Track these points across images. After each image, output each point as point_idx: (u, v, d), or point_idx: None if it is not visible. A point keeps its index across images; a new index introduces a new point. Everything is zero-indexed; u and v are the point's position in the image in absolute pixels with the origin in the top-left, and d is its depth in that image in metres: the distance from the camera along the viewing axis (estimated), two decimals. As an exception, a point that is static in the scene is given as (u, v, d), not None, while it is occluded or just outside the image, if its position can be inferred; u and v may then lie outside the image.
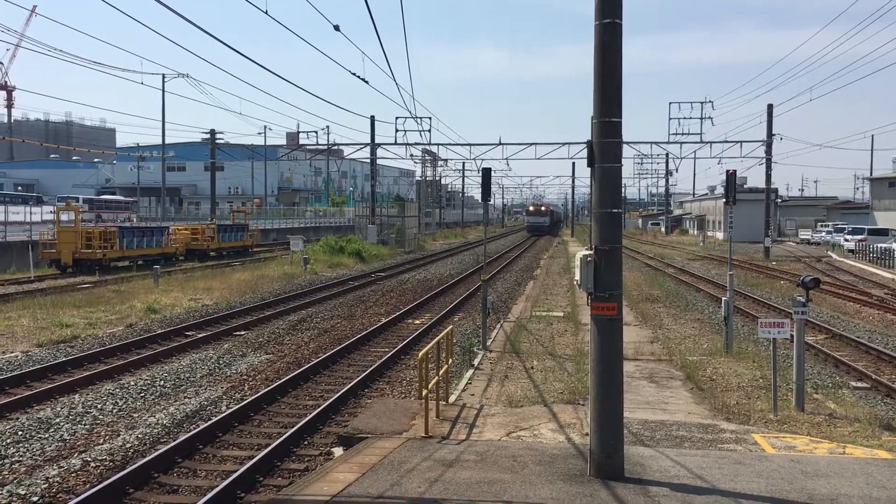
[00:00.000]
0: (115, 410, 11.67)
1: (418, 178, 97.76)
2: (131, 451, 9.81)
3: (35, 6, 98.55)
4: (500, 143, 49.02)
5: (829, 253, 53.53)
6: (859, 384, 13.90)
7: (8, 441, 10.04)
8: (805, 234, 73.91)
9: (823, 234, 65.91)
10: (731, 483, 7.74)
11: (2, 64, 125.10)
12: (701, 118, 44.74)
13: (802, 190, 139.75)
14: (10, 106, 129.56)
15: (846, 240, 54.51)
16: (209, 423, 10.63)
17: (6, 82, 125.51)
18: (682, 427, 10.00)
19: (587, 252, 7.96)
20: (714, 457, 8.64)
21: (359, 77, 26.99)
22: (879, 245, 44.65)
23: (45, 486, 8.49)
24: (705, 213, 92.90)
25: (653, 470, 8.10)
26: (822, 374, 14.46)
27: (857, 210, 77.35)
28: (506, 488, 7.55)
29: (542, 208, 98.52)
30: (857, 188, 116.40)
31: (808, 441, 9.43)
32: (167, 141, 64.73)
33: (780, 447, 9.11)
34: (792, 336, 11.52)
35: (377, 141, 52.05)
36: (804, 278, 11.88)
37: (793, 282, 29.81)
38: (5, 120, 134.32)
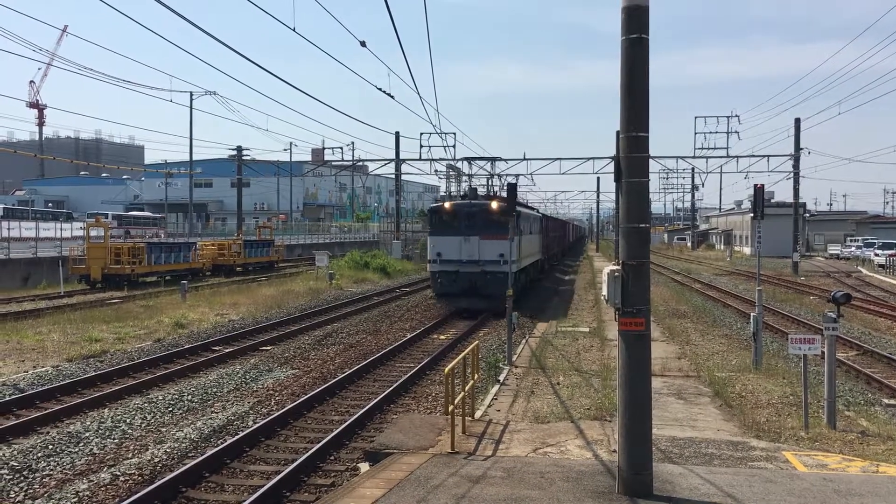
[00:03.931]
0: (143, 425, 11.77)
1: (443, 194, 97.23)
2: (159, 465, 9.88)
3: (66, 26, 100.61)
4: (525, 159, 49.00)
5: (859, 268, 52.80)
6: (892, 401, 13.67)
7: (39, 455, 10.16)
8: (834, 249, 72.91)
9: (853, 248, 65.00)
10: (763, 502, 7.62)
11: (34, 83, 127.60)
12: (727, 132, 44.49)
13: (831, 204, 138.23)
14: (41, 124, 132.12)
15: (876, 255, 53.80)
16: (236, 437, 10.69)
17: (38, 100, 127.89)
18: (711, 444, 9.88)
19: (614, 267, 7.91)
20: (744, 475, 8.52)
21: (384, 92, 27.13)
22: (911, 260, 44.00)
23: (75, 500, 8.58)
24: (732, 228, 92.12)
25: (682, 488, 8.00)
26: (853, 391, 14.24)
27: (887, 224, 76.31)
28: (533, 505, 7.49)
29: (492, 208, 24.55)
30: (887, 202, 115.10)
31: (840, 459, 9.27)
32: (194, 157, 65.65)
33: (812, 465, 8.96)
34: (823, 352, 11.36)
35: (402, 156, 52.36)
36: (835, 293, 11.71)
37: (822, 297, 29.44)
38: (37, 137, 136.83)
